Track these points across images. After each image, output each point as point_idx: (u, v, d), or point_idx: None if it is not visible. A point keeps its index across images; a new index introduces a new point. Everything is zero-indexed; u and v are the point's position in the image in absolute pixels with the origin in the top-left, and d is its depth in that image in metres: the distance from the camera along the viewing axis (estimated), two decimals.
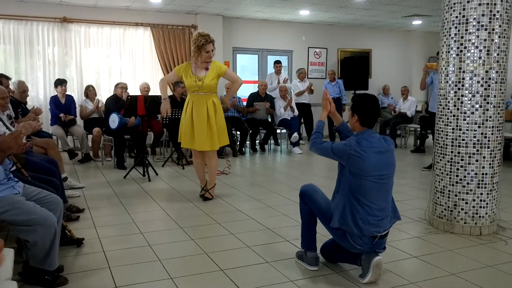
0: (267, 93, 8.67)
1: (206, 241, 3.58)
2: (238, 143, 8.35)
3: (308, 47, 10.45)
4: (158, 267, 3.06)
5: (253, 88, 9.35)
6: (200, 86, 4.51)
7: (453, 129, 3.76)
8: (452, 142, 3.77)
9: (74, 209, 4.29)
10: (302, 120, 9.14)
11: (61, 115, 7.07)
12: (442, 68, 3.87)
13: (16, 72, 7.92)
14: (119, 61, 8.69)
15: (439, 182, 3.91)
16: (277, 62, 9.10)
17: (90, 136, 7.34)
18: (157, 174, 6.18)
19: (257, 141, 8.73)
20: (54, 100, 7.25)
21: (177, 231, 3.85)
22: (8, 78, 5.58)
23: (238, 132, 8.43)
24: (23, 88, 6.06)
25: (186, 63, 4.70)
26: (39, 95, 8.14)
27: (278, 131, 9.09)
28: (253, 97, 8.55)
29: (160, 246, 3.47)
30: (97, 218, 4.20)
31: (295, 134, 8.24)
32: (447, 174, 3.82)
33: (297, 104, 8.83)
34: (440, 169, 3.90)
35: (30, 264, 2.67)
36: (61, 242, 2.96)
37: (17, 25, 7.85)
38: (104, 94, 8.30)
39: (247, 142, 8.58)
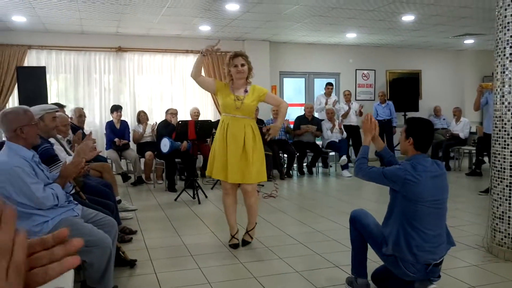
0: (314, 116, 8.67)
1: (255, 265, 3.58)
2: (285, 166, 8.35)
3: (356, 69, 10.40)
4: None
5: (300, 111, 9.38)
6: (238, 107, 3.92)
7: (511, 152, 3.60)
8: (511, 165, 3.61)
9: (127, 231, 4.42)
10: (350, 143, 9.03)
11: (116, 139, 7.37)
12: (497, 89, 3.74)
13: (75, 98, 8.39)
14: (170, 87, 9.01)
15: (498, 207, 3.73)
16: (329, 84, 9.14)
17: (142, 160, 7.59)
18: (206, 196, 6.28)
19: (304, 164, 8.70)
20: (109, 125, 7.59)
21: (226, 254, 3.88)
22: (62, 106, 5.91)
23: (285, 155, 8.44)
24: (79, 113, 6.37)
25: (225, 82, 4.16)
26: (95, 120, 8.55)
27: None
28: (300, 120, 8.57)
29: (210, 269, 3.51)
30: (148, 240, 4.31)
31: (344, 157, 8.15)
32: (506, 199, 3.65)
33: (345, 126, 8.77)
34: (498, 194, 3.73)
35: (87, 283, 2.77)
36: (115, 263, 3.06)
37: (77, 56, 8.36)
38: (156, 118, 8.58)
39: (295, 165, 8.56)
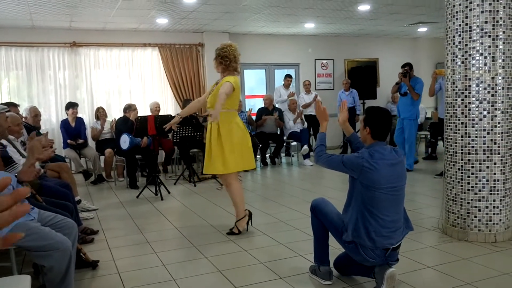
0: (275, 106, 8.74)
1: (219, 259, 3.59)
2: None
3: (315, 59, 10.51)
4: (173, 287, 3.08)
5: (262, 103, 9.41)
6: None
7: (462, 136, 3.75)
8: (462, 149, 3.76)
9: (89, 231, 4.33)
10: (311, 132, 9.16)
11: (68, 141, 7.11)
12: (448, 76, 3.88)
13: (28, 96, 8.09)
14: (128, 81, 8.82)
15: (451, 190, 3.89)
16: (288, 76, 9.21)
17: (102, 157, 7.41)
18: (169, 192, 6.23)
19: (267, 155, 8.76)
20: (64, 124, 7.28)
21: (190, 249, 3.87)
22: (16, 105, 5.67)
23: None
24: (35, 112, 6.13)
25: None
26: (52, 118, 8.27)
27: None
28: (262, 112, 8.62)
29: (174, 265, 3.49)
30: (111, 239, 4.24)
31: (305, 147, 8.26)
32: (459, 182, 3.81)
33: (305, 116, 8.87)
34: (451, 177, 3.88)
35: None
36: (77, 265, 2.99)
37: (29, 52, 8.04)
38: (114, 114, 8.40)
39: (258, 156, 8.60)
